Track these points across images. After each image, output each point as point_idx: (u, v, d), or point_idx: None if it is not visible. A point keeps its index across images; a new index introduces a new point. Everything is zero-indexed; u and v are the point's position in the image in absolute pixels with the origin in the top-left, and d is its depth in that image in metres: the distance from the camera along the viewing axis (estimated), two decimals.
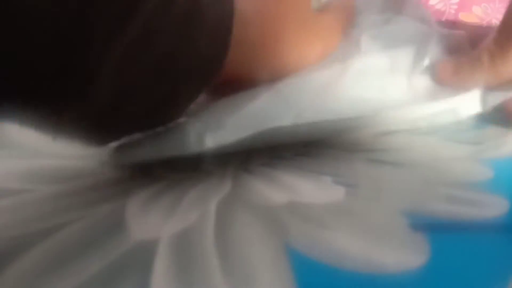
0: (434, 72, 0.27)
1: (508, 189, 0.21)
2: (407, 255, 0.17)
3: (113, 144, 0.22)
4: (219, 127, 0.21)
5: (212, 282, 0.15)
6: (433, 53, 0.27)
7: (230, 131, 0.22)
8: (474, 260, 0.16)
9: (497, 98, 0.26)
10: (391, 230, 0.18)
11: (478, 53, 0.26)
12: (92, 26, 0.14)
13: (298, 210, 0.19)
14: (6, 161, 0.23)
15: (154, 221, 0.18)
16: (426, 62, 0.27)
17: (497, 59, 0.25)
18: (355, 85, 0.25)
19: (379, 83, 0.26)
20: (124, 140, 0.22)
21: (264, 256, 0.16)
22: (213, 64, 0.18)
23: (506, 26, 0.25)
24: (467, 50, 0.29)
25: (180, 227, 0.18)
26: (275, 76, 0.23)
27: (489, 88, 0.26)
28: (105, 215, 0.19)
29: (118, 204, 0.19)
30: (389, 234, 0.18)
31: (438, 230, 0.18)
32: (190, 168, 0.23)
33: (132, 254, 0.16)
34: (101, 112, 0.17)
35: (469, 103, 0.27)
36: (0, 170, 0.22)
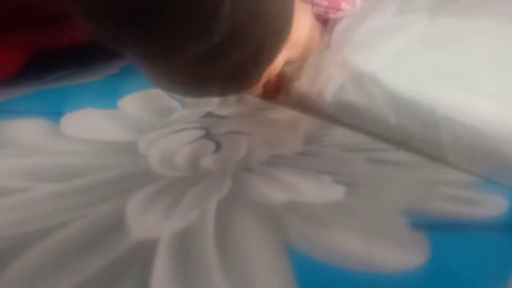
0: None
1: (508, 189, 0.21)
2: (407, 254, 0.17)
3: None
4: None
5: (212, 281, 0.15)
6: None
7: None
8: (474, 260, 0.16)
9: None
10: (391, 229, 0.18)
11: None
12: None
13: (298, 209, 0.19)
14: (7, 160, 0.23)
15: (154, 220, 0.18)
16: None
17: None
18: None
19: None
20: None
21: (264, 256, 0.16)
22: (286, 23, 0.22)
23: None
24: None
25: (180, 226, 0.18)
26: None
27: None
28: (105, 215, 0.19)
29: (118, 204, 0.19)
30: (389, 233, 0.18)
31: (438, 229, 0.18)
32: (190, 167, 0.23)
33: (132, 253, 0.16)
34: (213, 54, 0.19)
35: None
36: (0, 168, 0.22)
